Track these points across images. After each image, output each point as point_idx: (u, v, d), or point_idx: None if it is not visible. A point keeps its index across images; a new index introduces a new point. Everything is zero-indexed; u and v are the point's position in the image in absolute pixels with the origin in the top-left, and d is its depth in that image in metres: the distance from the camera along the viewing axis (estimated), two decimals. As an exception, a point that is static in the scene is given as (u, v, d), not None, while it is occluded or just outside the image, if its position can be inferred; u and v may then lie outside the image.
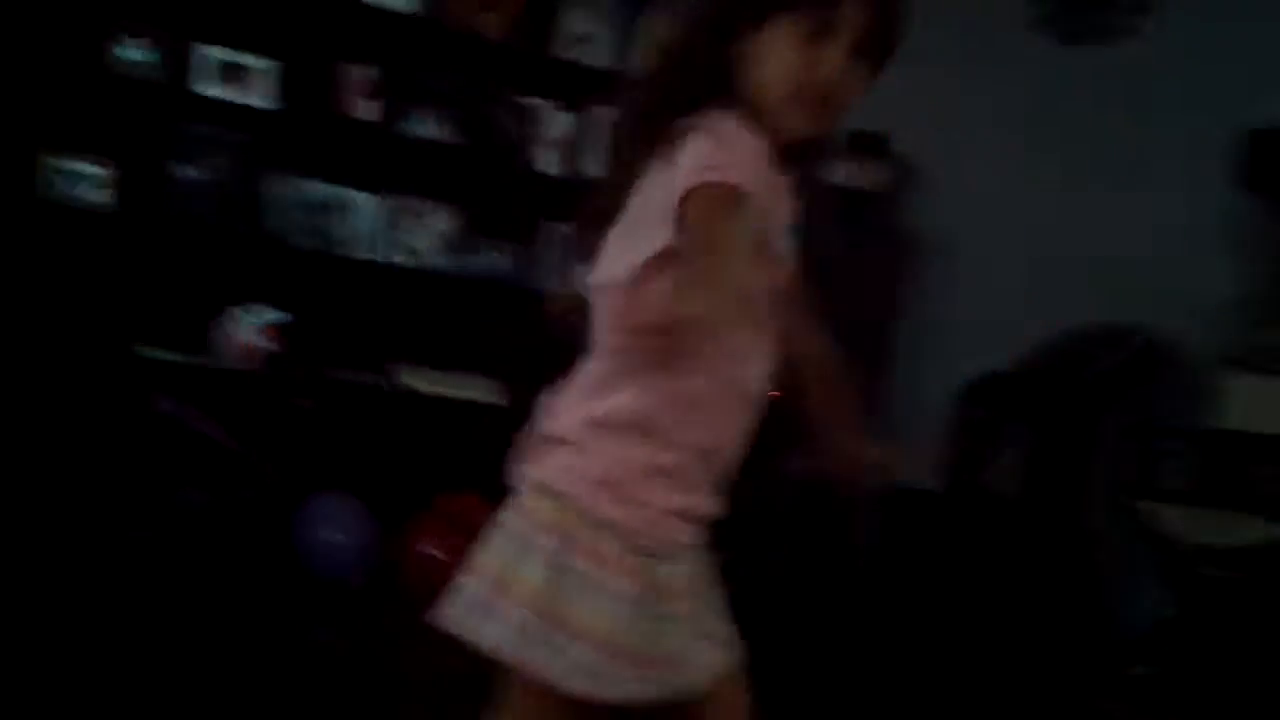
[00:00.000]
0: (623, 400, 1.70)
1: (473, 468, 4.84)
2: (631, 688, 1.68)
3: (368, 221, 4.95)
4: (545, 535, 1.72)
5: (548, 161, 5.17)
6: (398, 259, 4.98)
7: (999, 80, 5.23)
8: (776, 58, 1.63)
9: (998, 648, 4.36)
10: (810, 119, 1.66)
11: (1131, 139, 4.91)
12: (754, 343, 1.74)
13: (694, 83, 1.65)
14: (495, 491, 5.26)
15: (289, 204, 4.85)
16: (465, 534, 4.59)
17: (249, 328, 4.63)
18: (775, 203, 1.66)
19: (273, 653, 3.62)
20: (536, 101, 5.17)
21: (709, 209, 1.49)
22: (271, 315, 4.67)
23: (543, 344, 5.18)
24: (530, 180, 5.19)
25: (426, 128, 4.96)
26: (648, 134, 1.64)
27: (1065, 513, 4.55)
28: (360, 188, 4.95)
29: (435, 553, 4.41)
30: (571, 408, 1.76)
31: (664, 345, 1.67)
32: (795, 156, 1.69)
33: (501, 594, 1.73)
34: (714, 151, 1.53)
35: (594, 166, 5.24)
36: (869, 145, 5.09)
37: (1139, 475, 4.32)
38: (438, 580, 4.42)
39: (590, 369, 1.77)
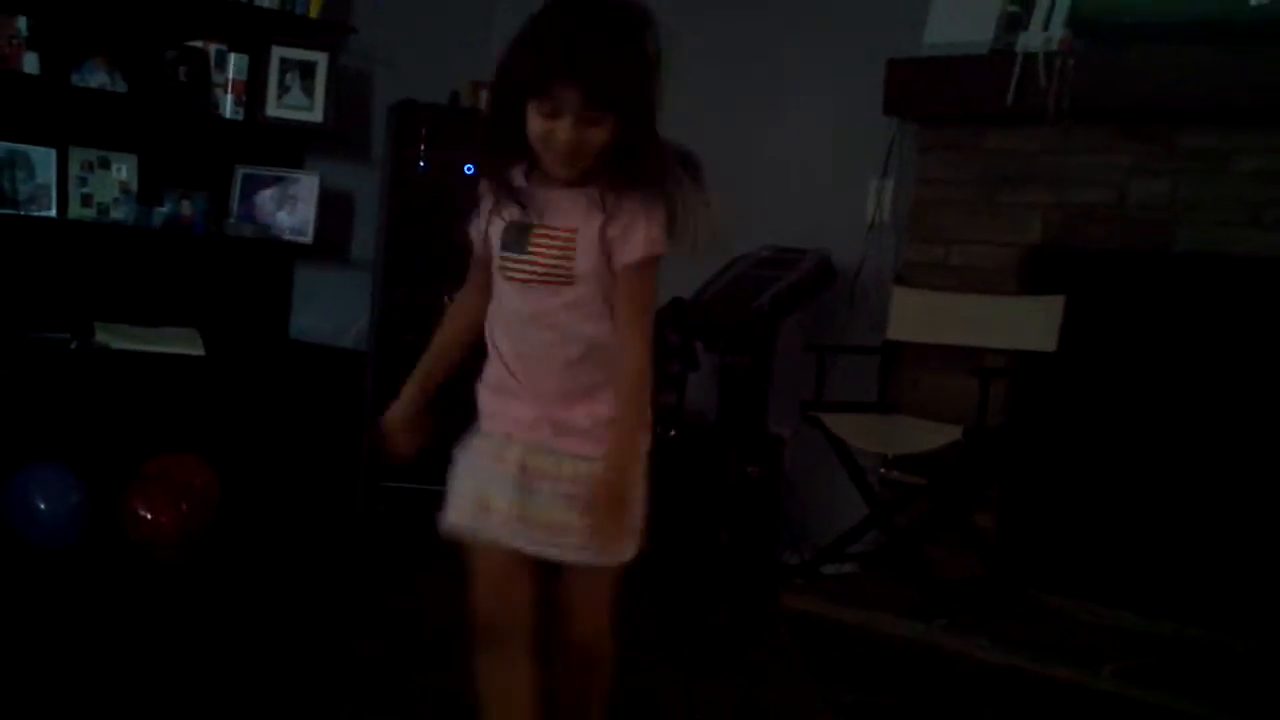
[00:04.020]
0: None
1: (181, 423, 4.83)
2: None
3: (47, 177, 4.81)
4: None
5: (226, 105, 5.14)
6: (82, 214, 4.87)
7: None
8: (529, 125, 2.21)
9: (695, 552, 4.58)
10: (559, 165, 2.23)
11: (784, 71, 5.16)
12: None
13: (506, 134, 2.26)
14: (207, 446, 5.18)
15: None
16: (181, 495, 4.58)
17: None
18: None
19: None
20: (210, 45, 5.10)
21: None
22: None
23: (236, 289, 5.20)
24: (210, 124, 5.15)
25: (98, 78, 4.85)
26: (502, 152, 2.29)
27: (754, 426, 4.79)
28: (36, 143, 4.80)
29: (149, 515, 4.40)
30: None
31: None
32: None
33: None
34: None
35: (273, 107, 5.23)
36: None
37: (821, 388, 4.55)
38: (155, 542, 4.42)
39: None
